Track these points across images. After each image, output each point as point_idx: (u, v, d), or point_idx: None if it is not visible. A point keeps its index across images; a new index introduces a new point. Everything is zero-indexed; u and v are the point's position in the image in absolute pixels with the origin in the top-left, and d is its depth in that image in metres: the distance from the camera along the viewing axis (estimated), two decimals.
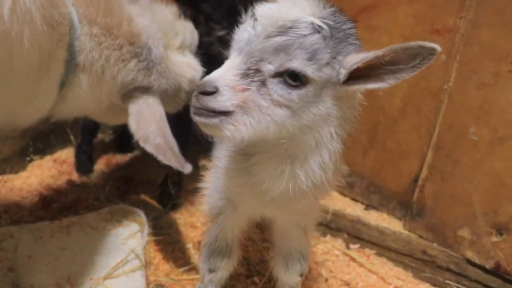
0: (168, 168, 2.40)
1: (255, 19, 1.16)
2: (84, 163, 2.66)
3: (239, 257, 1.73)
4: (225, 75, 1.13)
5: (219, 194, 1.60)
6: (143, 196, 2.42)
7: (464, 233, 2.09)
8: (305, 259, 1.74)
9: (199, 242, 1.74)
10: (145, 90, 1.85)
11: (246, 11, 2.02)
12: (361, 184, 2.50)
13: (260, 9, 1.17)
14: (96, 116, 2.12)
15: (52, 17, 1.38)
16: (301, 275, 1.76)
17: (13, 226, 2.13)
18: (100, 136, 2.98)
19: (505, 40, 1.89)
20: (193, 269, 2.07)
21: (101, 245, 2.07)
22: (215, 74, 1.14)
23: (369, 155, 2.42)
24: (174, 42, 1.99)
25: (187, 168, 1.75)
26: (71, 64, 1.59)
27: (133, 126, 1.76)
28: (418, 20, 2.15)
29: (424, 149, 2.20)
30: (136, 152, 2.99)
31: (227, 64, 1.17)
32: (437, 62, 2.06)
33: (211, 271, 1.68)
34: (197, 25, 2.21)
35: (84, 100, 1.73)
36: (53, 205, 2.39)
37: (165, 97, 1.95)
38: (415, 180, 2.26)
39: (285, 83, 1.12)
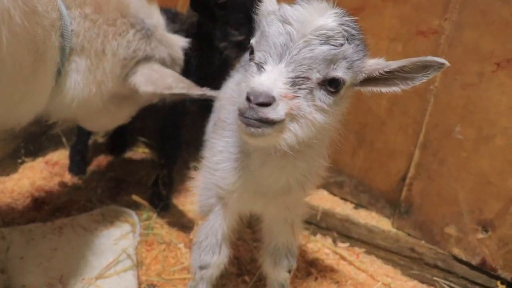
0: (160, 168, 2.46)
1: (288, 23, 1.16)
2: (77, 164, 2.68)
3: (230, 255, 1.76)
4: (277, 83, 1.12)
5: (209, 192, 1.64)
6: (134, 197, 2.44)
7: (451, 230, 2.13)
8: (292, 255, 1.77)
9: (190, 240, 1.77)
10: (147, 60, 1.90)
11: None
12: (350, 183, 2.54)
13: (291, 13, 1.17)
14: (92, 116, 2.06)
15: (35, 10, 1.35)
16: (289, 271, 1.80)
17: (4, 228, 2.13)
18: (92, 137, 2.99)
19: (488, 40, 1.94)
20: (185, 268, 2.09)
21: (93, 246, 2.08)
22: (267, 83, 1.11)
23: (357, 155, 2.46)
24: (154, 22, 2.03)
25: (214, 92, 1.85)
26: (65, 50, 1.60)
27: (149, 89, 1.82)
28: (404, 22, 2.19)
29: (411, 148, 2.24)
30: (128, 154, 3.01)
31: (272, 71, 1.15)
32: None
33: (202, 268, 1.70)
34: (210, 30, 2.26)
35: (83, 87, 1.71)
36: (45, 207, 2.39)
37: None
38: (403, 179, 2.29)
39: (326, 89, 1.19)
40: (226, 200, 1.60)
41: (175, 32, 2.37)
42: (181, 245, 2.24)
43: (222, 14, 2.19)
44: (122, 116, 2.13)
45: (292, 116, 1.15)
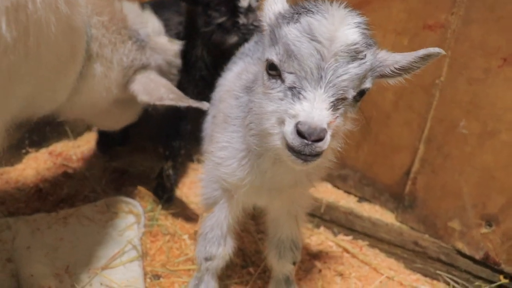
0: (165, 159, 2.46)
1: (317, 41, 1.13)
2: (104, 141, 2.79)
3: (235, 246, 1.77)
4: (323, 113, 1.11)
5: (214, 185, 1.65)
6: (139, 188, 2.44)
7: (455, 224, 2.14)
8: (297, 248, 1.79)
9: (195, 232, 1.78)
10: (144, 68, 2.02)
11: None
12: (354, 177, 2.54)
13: (317, 28, 1.13)
14: (99, 117, 2.23)
15: (72, 4, 1.43)
16: (294, 263, 1.81)
17: (10, 218, 2.14)
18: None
19: (495, 36, 1.93)
20: (189, 259, 2.11)
21: (98, 236, 2.10)
22: (318, 117, 1.10)
23: (362, 148, 2.46)
24: (148, 29, 2.13)
25: (204, 105, 1.89)
26: (87, 54, 1.70)
27: (145, 98, 1.93)
28: (411, 15, 2.18)
29: (416, 143, 2.24)
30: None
31: (315, 99, 1.13)
32: None
33: (207, 259, 1.72)
34: (196, 17, 2.27)
35: (96, 91, 1.84)
36: (49, 197, 2.41)
37: (161, 74, 2.13)
38: (407, 173, 2.30)
39: (354, 100, 1.21)
40: (232, 193, 1.61)
41: (180, 23, 2.39)
42: (186, 236, 2.26)
43: None
44: (127, 117, 2.21)
45: (332, 136, 1.16)
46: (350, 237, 2.39)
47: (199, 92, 2.36)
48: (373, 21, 2.29)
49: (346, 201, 2.51)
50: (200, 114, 2.21)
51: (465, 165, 2.08)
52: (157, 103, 1.89)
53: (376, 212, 2.43)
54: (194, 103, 1.88)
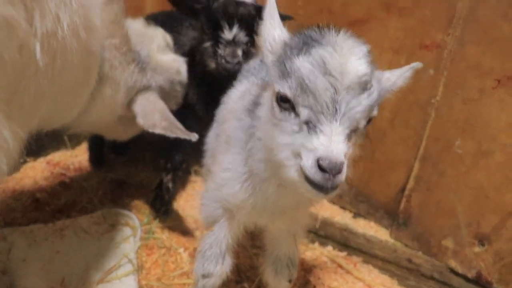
0: (165, 172, 2.47)
1: (330, 75, 1.14)
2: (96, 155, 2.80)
3: (232, 265, 1.77)
4: (340, 146, 1.12)
5: (215, 204, 1.65)
6: (136, 201, 2.45)
7: (448, 242, 2.16)
8: (293, 265, 1.80)
9: (194, 249, 1.79)
10: (145, 90, 2.05)
11: (229, 26, 2.10)
12: (349, 193, 2.56)
13: (330, 61, 1.15)
14: (103, 131, 2.30)
15: (90, 30, 1.50)
16: (290, 281, 1.82)
17: (6, 229, 2.15)
18: None
19: (490, 57, 1.96)
20: (184, 273, 2.11)
21: (94, 249, 2.10)
22: (336, 151, 1.12)
23: (357, 165, 2.45)
24: (153, 47, 2.16)
25: (194, 137, 1.93)
26: (99, 76, 1.76)
27: (141, 121, 1.97)
28: (408, 34, 2.21)
29: (411, 160, 2.27)
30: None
31: (332, 134, 1.14)
32: (425, 76, 2.13)
33: (204, 276, 1.72)
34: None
35: (103, 112, 1.92)
36: (46, 208, 2.41)
37: (164, 93, 2.16)
38: (402, 190, 2.32)
39: (364, 127, 1.23)
40: (233, 213, 1.62)
41: (194, 39, 2.43)
42: (181, 250, 2.26)
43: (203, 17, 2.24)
44: (133, 131, 2.23)
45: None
46: (344, 253, 2.40)
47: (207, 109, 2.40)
48: (370, 39, 2.33)
49: (341, 217, 2.52)
50: (203, 128, 2.24)
51: (460, 184, 2.10)
52: (149, 130, 1.93)
53: (371, 229, 2.44)
54: (183, 135, 1.92)
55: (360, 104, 1.16)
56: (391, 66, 2.24)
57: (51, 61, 1.26)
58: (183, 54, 2.42)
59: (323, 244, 2.45)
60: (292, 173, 1.22)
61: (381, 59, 2.24)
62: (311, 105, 1.16)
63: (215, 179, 1.62)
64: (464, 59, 2.04)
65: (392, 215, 2.39)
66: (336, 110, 1.14)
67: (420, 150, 2.22)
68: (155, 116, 1.98)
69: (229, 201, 1.58)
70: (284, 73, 1.22)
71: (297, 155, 1.19)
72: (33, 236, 2.12)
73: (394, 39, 2.25)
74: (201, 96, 2.45)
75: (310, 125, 1.16)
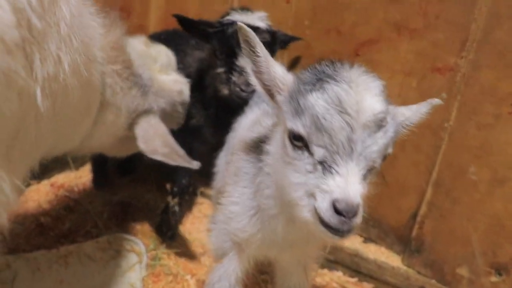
0: (172, 196, 2.43)
1: (346, 113, 1.10)
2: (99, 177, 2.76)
3: None
4: (356, 187, 1.09)
5: (224, 237, 1.62)
6: (141, 224, 2.40)
7: (463, 271, 2.10)
8: None
9: (203, 282, 1.75)
10: (147, 113, 2.01)
11: None
12: None
13: (346, 100, 1.11)
14: (104, 151, 2.25)
15: (90, 63, 1.49)
16: None
17: (10, 256, 2.10)
18: None
19: (505, 82, 1.91)
20: None
21: (99, 278, 2.06)
22: (352, 192, 1.08)
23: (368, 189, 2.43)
24: (155, 67, 2.15)
25: (195, 165, 1.89)
26: (101, 103, 1.74)
27: (142, 146, 1.93)
28: (419, 57, 2.17)
29: (423, 185, 2.21)
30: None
31: (348, 174, 1.10)
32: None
33: None
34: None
35: (105, 136, 1.90)
36: (50, 233, 2.36)
37: (165, 114, 2.14)
38: (414, 216, 2.26)
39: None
40: (242, 246, 1.58)
41: (201, 60, 2.40)
42: (188, 277, 2.21)
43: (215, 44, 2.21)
44: (132, 148, 2.18)
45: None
46: (355, 279, 2.34)
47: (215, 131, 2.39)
48: (380, 61, 2.30)
49: (351, 242, 2.46)
50: (210, 150, 2.20)
51: (475, 211, 2.04)
52: (150, 155, 1.89)
53: (382, 254, 2.38)
54: (184, 163, 1.88)
55: (376, 143, 1.12)
56: (402, 88, 2.24)
57: (52, 104, 1.23)
58: (188, 75, 2.39)
59: (332, 269, 2.39)
60: (305, 213, 1.18)
61: (391, 81, 2.19)
62: (326, 144, 1.12)
63: (224, 211, 1.58)
64: (478, 83, 1.99)
65: (404, 241, 2.33)
66: (352, 149, 1.10)
67: (433, 175, 2.17)
68: (156, 142, 1.94)
69: (237, 235, 1.54)
70: (298, 110, 1.18)
71: (311, 195, 1.15)
72: (36, 264, 2.07)
73: (405, 61, 2.21)
74: (209, 119, 2.42)
75: (325, 165, 1.12)
